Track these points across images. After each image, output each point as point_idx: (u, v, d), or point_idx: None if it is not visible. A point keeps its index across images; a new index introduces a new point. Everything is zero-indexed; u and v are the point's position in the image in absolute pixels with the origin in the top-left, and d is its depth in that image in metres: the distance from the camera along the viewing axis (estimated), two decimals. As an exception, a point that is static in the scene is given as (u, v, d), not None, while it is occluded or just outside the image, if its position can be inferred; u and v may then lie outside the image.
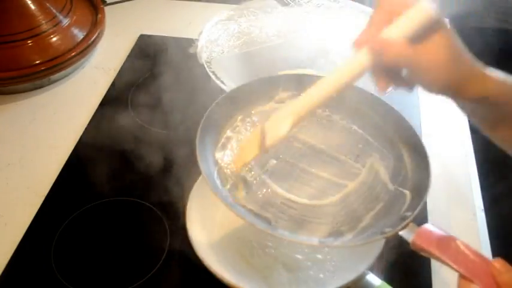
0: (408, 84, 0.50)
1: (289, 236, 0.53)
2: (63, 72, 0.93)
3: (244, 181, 0.59)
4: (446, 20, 0.46)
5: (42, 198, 0.73)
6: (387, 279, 0.57)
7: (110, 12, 1.04)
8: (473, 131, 0.87)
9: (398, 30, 0.45)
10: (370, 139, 0.65)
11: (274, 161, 0.62)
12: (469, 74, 0.47)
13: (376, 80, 0.49)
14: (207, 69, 0.75)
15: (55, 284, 0.63)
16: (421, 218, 0.69)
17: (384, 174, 0.61)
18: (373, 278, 0.57)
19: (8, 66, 0.88)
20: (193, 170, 0.68)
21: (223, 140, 0.63)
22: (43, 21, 0.91)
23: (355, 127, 0.66)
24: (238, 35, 0.84)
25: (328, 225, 0.56)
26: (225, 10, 0.86)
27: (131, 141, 0.82)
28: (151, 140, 0.82)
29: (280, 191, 0.59)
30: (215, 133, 0.62)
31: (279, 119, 0.54)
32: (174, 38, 1.02)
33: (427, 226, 0.49)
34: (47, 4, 0.93)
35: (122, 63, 0.97)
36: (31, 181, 0.76)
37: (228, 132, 0.64)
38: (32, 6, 0.91)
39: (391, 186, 0.60)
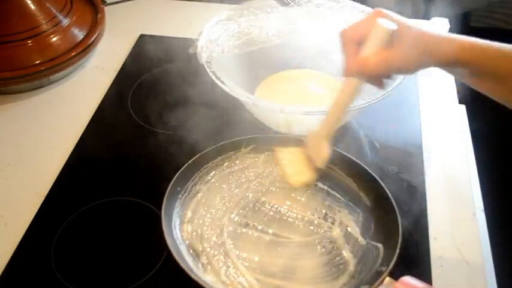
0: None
1: None
2: (63, 72, 0.93)
3: (217, 253, 0.60)
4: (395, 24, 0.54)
5: (42, 198, 0.73)
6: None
7: (110, 12, 1.04)
8: (473, 131, 0.87)
9: (368, 49, 0.54)
10: (336, 194, 0.67)
11: (244, 230, 0.62)
12: (434, 48, 0.53)
13: (373, 85, 0.58)
14: (207, 69, 0.75)
15: (55, 284, 0.63)
16: (421, 219, 0.69)
17: (354, 229, 0.63)
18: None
19: (8, 66, 0.87)
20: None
21: (189, 214, 0.64)
22: (43, 21, 0.91)
23: (319, 184, 0.68)
24: (238, 35, 0.84)
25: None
26: (225, 10, 0.86)
27: (131, 141, 0.82)
28: (151, 140, 0.82)
29: (251, 266, 0.58)
30: (181, 205, 0.63)
31: (316, 145, 0.63)
32: (174, 38, 1.02)
33: (404, 279, 0.51)
34: (47, 4, 0.93)
35: (122, 63, 0.97)
36: (31, 181, 0.76)
37: (193, 204, 0.65)
38: (32, 6, 0.91)
39: (362, 241, 0.61)
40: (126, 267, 0.65)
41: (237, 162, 0.69)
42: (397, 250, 0.55)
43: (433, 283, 0.63)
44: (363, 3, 0.87)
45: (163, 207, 0.60)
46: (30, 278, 0.64)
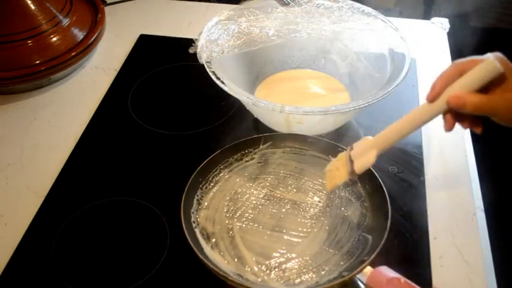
0: (476, 123, 0.54)
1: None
2: (63, 72, 0.93)
3: (225, 236, 0.64)
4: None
5: (42, 198, 0.73)
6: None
7: (110, 12, 1.04)
8: (473, 131, 0.87)
9: (469, 83, 0.51)
10: (341, 189, 0.69)
11: (252, 216, 0.67)
12: None
13: (445, 121, 0.54)
14: (207, 69, 0.75)
15: (55, 284, 0.63)
16: (421, 219, 0.69)
17: (352, 221, 0.65)
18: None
19: (8, 66, 0.88)
20: (192, 170, 0.69)
21: (207, 201, 0.68)
22: (43, 21, 0.91)
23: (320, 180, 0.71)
24: (238, 35, 0.84)
25: (296, 271, 0.61)
26: (225, 10, 0.86)
27: (131, 141, 0.82)
28: (151, 140, 0.82)
29: (253, 248, 0.63)
30: (201, 193, 0.67)
31: (365, 149, 0.60)
32: (174, 38, 1.02)
33: (379, 269, 0.55)
34: (47, 4, 0.93)
35: (122, 63, 0.97)
36: (31, 181, 0.76)
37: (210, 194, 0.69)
38: (32, 6, 0.91)
39: (356, 232, 0.64)
40: (126, 267, 0.65)
41: (255, 157, 0.72)
42: (382, 242, 0.57)
43: (433, 283, 0.63)
44: (362, 3, 0.87)
45: (184, 194, 0.63)
46: (30, 278, 0.64)
